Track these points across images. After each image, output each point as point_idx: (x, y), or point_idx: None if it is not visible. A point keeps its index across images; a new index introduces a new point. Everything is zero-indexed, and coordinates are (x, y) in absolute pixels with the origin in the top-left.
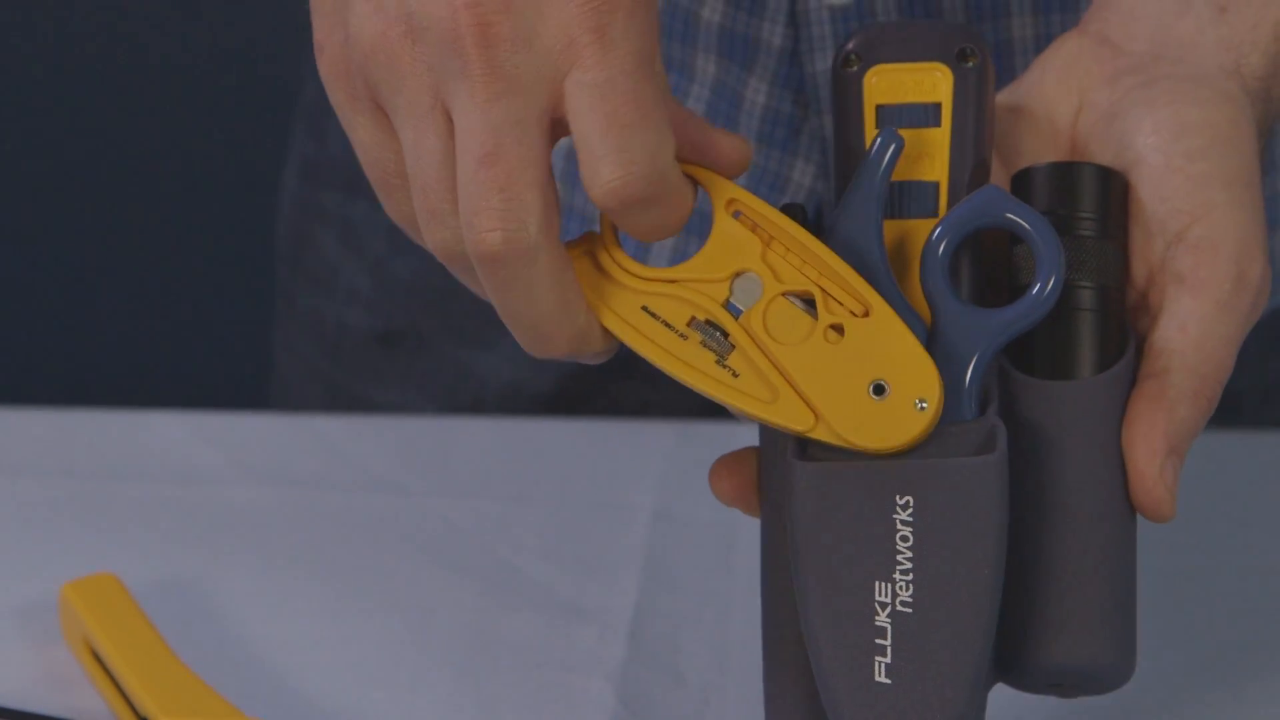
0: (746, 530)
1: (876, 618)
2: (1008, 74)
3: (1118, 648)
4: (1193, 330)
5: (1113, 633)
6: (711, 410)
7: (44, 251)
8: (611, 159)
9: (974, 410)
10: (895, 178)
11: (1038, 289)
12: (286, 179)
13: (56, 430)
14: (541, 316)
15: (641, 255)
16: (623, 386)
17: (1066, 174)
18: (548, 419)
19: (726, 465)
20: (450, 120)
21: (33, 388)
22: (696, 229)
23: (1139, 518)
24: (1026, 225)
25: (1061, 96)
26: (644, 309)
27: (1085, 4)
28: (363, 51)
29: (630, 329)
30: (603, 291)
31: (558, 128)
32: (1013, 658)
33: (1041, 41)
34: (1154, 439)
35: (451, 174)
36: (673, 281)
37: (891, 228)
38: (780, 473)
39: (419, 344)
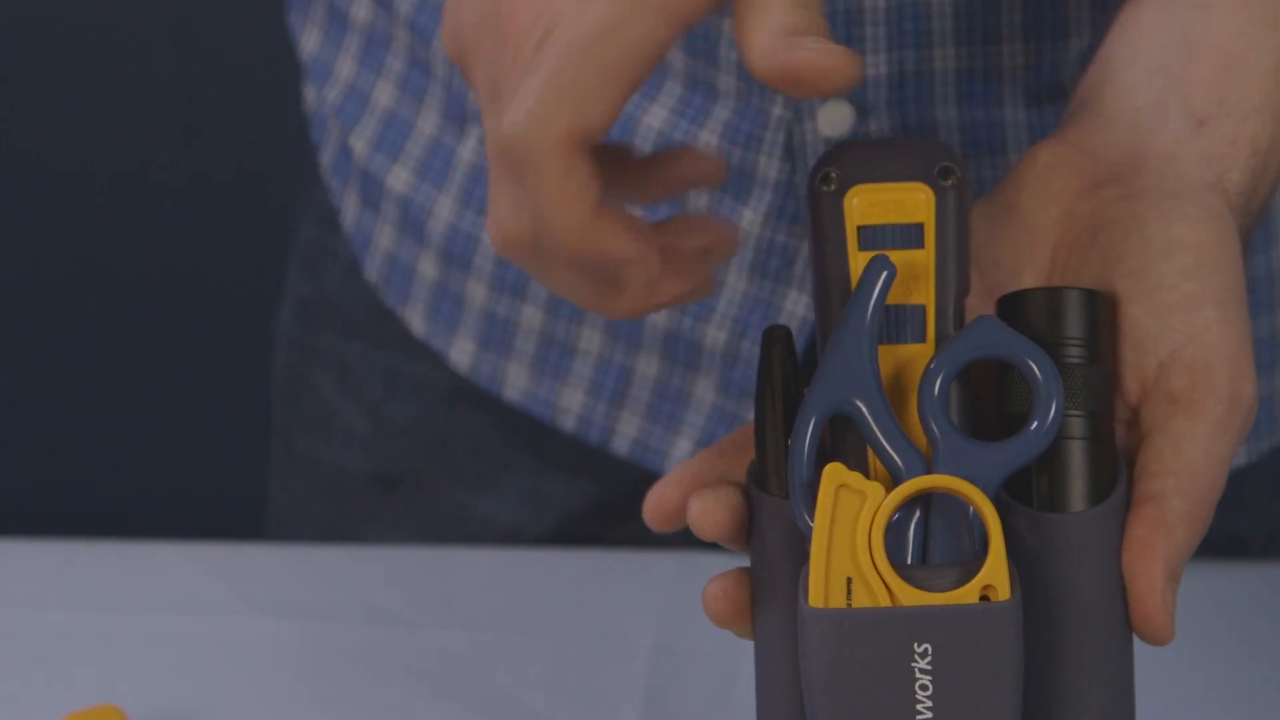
0: (748, 664)
1: None
2: None
3: None
4: (1188, 452)
5: None
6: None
7: (44, 383)
8: None
9: (977, 546)
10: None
11: (1038, 424)
12: (282, 320)
13: (58, 561)
14: None
15: None
16: (622, 529)
17: (1053, 300)
18: (548, 550)
19: (721, 585)
20: None
21: (34, 519)
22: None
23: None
24: (1027, 359)
25: (1039, 206)
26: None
27: None
28: None
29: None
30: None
31: None
32: None
33: None
34: (1154, 565)
35: None
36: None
37: (880, 354)
38: (785, 612)
39: (416, 487)
